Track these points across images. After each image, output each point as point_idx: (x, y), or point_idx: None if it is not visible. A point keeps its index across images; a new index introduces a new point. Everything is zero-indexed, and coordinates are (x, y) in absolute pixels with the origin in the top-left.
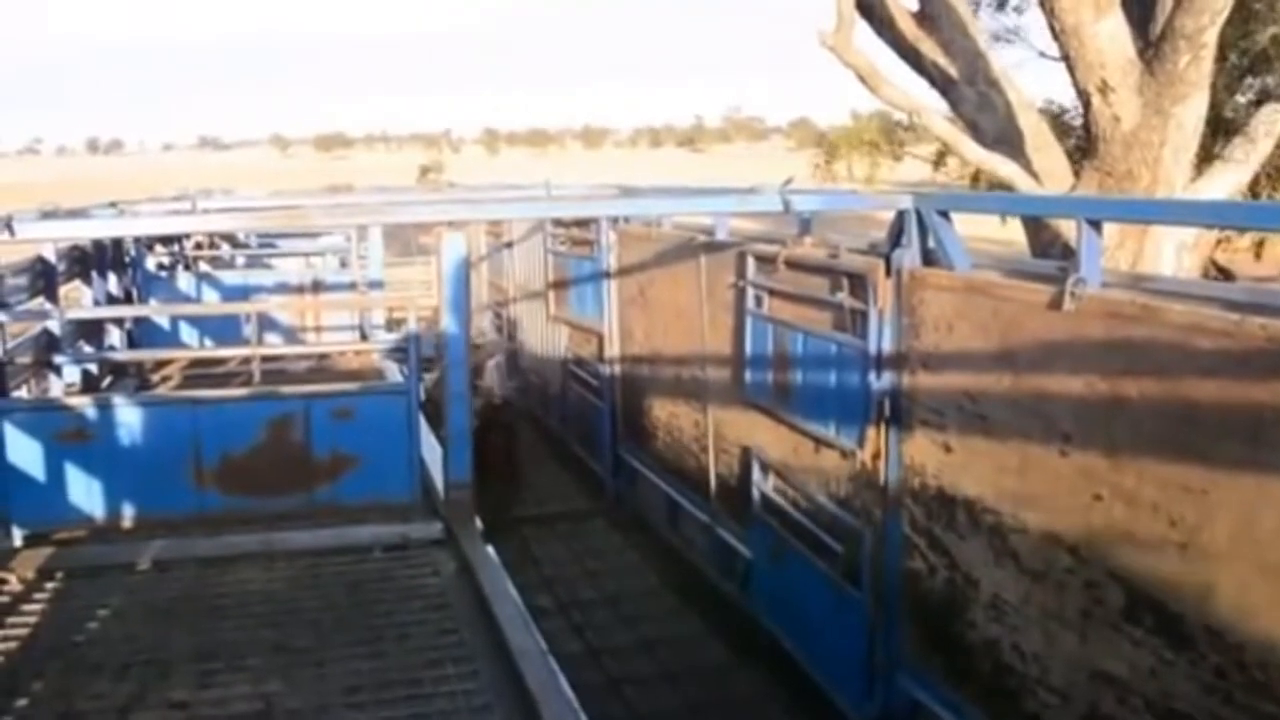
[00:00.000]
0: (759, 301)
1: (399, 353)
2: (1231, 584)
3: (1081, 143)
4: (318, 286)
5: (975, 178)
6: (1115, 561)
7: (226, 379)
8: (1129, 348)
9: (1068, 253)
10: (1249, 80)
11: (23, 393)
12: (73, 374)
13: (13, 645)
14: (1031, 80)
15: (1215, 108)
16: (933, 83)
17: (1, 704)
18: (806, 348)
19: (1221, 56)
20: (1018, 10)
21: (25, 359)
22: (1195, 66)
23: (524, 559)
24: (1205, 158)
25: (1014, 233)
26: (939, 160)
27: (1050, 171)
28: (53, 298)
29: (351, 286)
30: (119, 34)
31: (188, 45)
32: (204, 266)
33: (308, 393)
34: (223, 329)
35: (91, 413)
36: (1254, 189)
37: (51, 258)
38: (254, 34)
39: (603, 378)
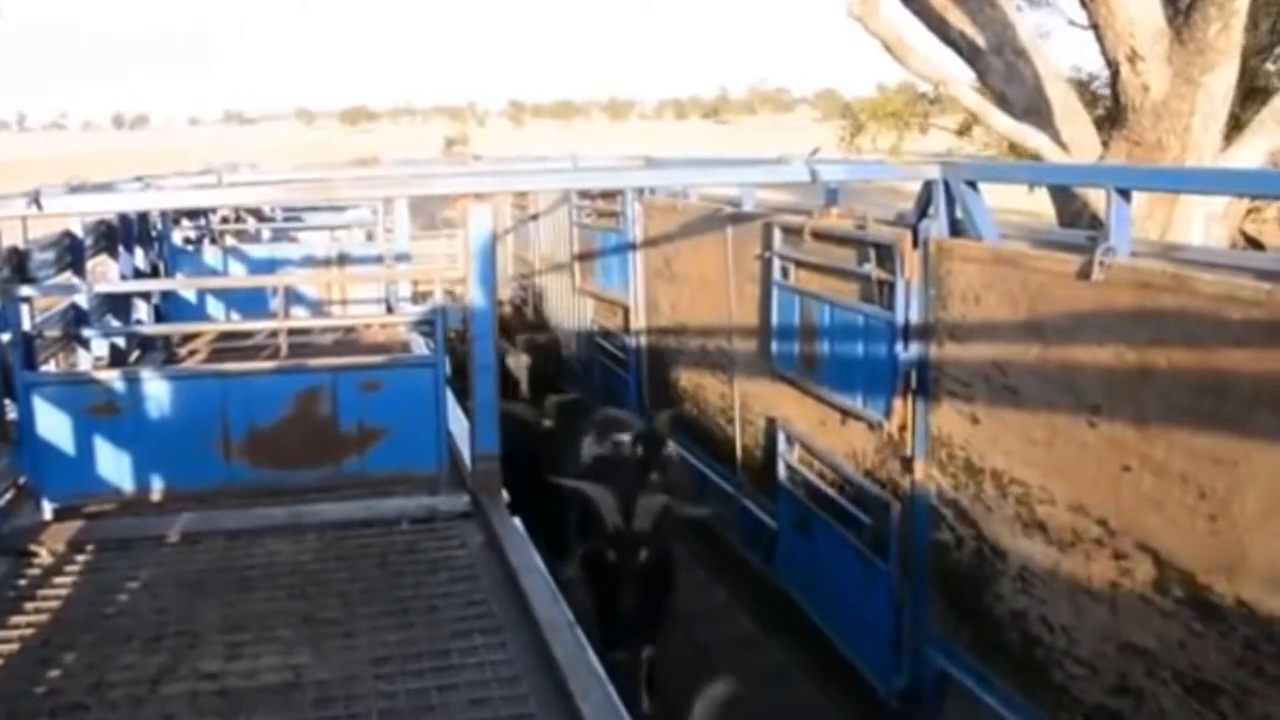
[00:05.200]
0: (785, 273)
1: (425, 325)
2: (1262, 556)
3: (1110, 112)
4: (343, 260)
5: (1011, 148)
6: (1144, 533)
7: (254, 352)
8: (1159, 317)
9: (1096, 223)
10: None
11: (51, 366)
12: (101, 348)
13: (44, 617)
14: (1061, 49)
15: (1246, 76)
16: (960, 53)
17: (34, 675)
18: (833, 319)
19: (1252, 24)
20: None
21: (54, 333)
22: (1226, 34)
23: None
24: (1235, 127)
25: (1041, 203)
26: (963, 130)
27: (1079, 142)
28: (80, 272)
29: (377, 260)
30: (146, 10)
31: (216, 22)
32: (230, 240)
33: (335, 365)
34: (249, 302)
35: (120, 386)
36: None
37: (79, 232)
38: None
39: (629, 350)
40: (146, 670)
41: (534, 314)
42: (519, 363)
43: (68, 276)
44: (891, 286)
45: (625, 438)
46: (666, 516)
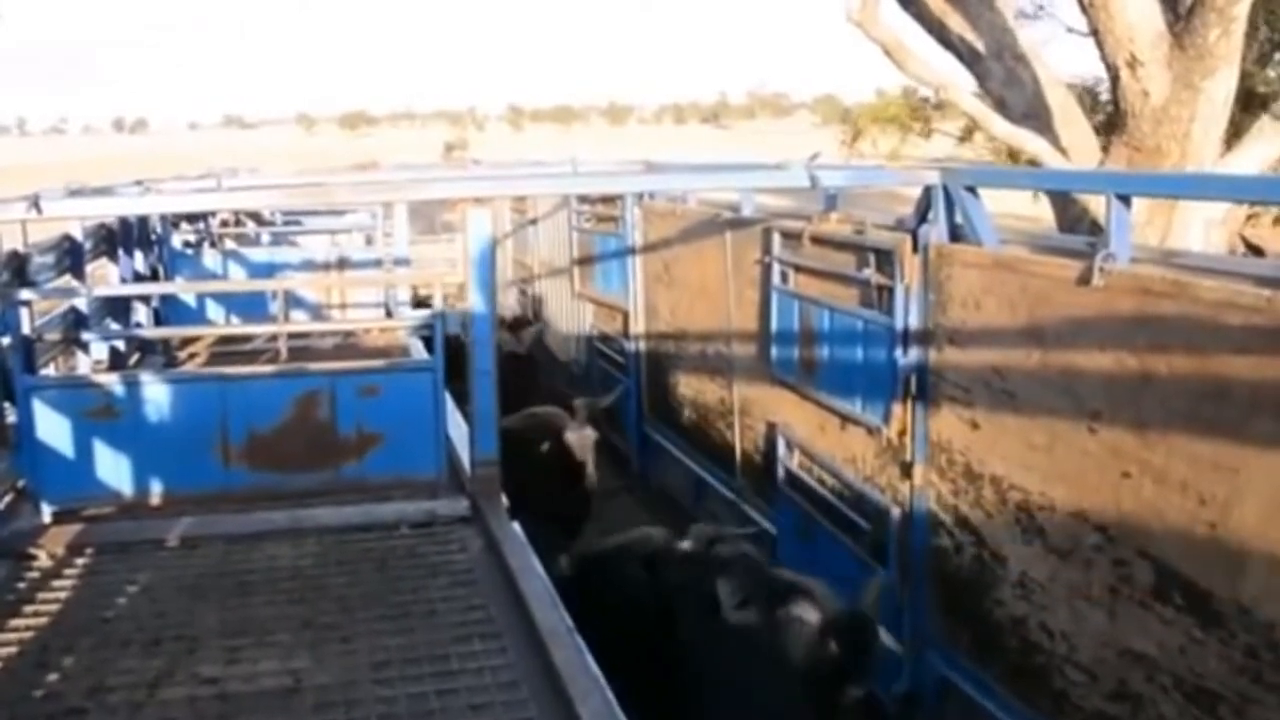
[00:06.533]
0: (785, 277)
1: (424, 329)
2: (1262, 562)
3: (1110, 118)
4: (343, 264)
5: (1013, 155)
6: (1144, 539)
7: (253, 356)
8: (1159, 323)
9: (1096, 228)
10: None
11: (51, 370)
12: (100, 351)
13: (43, 620)
14: (1060, 56)
15: (1245, 81)
16: (959, 58)
17: (32, 678)
18: (832, 324)
19: (1252, 30)
20: None
21: (53, 336)
22: (1225, 40)
23: None
24: (1235, 133)
25: (1042, 209)
26: (965, 135)
27: (1078, 147)
28: (80, 275)
29: (377, 264)
30: (144, 11)
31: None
32: (230, 244)
33: (334, 370)
34: (249, 306)
35: (119, 389)
36: None
37: (79, 236)
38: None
39: (628, 354)
40: (145, 674)
41: (532, 319)
42: (584, 440)
43: (67, 280)
44: (891, 292)
45: (810, 617)
46: None
